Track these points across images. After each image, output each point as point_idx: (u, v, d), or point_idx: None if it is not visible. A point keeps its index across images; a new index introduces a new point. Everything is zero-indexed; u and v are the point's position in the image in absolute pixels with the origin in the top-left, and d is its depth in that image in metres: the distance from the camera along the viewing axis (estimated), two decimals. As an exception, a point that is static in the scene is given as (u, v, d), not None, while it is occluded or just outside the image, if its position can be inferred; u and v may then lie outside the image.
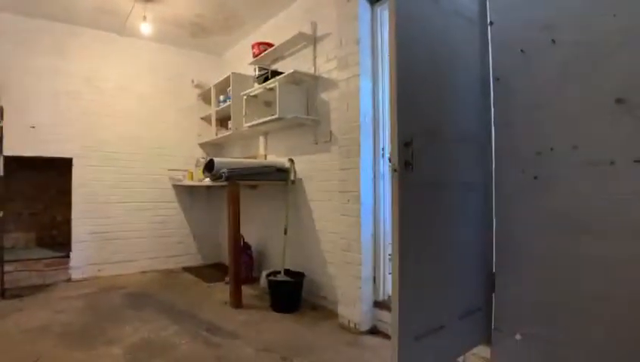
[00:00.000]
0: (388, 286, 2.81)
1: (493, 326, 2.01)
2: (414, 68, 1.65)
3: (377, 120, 2.81)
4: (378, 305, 2.77)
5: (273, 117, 3.30)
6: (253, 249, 4.09)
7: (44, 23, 4.05)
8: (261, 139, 4.09)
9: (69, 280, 4.10)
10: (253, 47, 3.91)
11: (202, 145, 5.00)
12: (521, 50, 1.91)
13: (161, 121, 4.72)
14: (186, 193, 4.86)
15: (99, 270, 4.28)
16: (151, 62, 4.69)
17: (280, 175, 3.48)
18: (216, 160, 3.31)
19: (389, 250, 2.75)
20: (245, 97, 3.74)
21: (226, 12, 4.01)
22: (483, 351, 2.05)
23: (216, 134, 4.51)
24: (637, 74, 1.52)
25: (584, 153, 1.66)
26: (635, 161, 1.51)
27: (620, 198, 1.55)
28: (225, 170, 3.20)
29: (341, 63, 2.91)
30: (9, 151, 3.75)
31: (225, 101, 4.34)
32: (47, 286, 3.91)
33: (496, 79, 2.02)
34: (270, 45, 3.80)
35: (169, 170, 4.72)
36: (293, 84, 3.40)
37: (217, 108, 4.45)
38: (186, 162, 4.83)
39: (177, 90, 4.85)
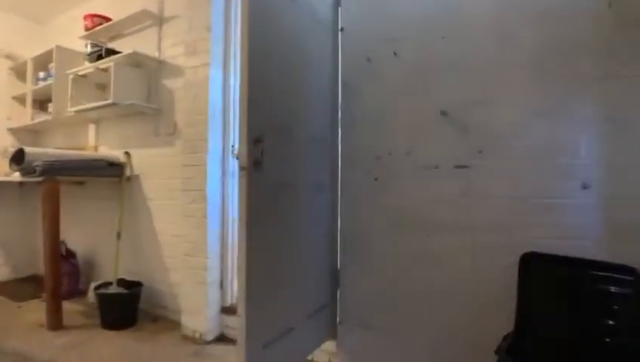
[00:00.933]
0: (236, 290, 2.66)
1: (338, 321, 2.07)
2: (267, 63, 1.55)
3: (228, 114, 2.64)
4: (225, 310, 2.60)
5: (106, 102, 2.83)
6: (79, 257, 3.45)
7: None
8: (91, 127, 3.49)
9: None
10: (85, 18, 3.31)
11: (13, 131, 4.02)
12: (368, 59, 2.00)
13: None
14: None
15: None
16: None
17: (113, 170, 3.01)
18: (27, 150, 2.67)
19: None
20: (72, 76, 3.13)
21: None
22: (330, 345, 2.08)
23: (32, 118, 3.68)
24: (456, 91, 1.72)
25: (416, 158, 1.83)
26: (455, 167, 1.71)
27: (443, 198, 1.74)
28: (39, 163, 2.61)
29: (189, 49, 2.65)
30: None
31: (45, 79, 3.58)
32: None
33: (344, 83, 2.07)
34: (107, 19, 3.27)
35: (-40, 161, 3.67)
36: (132, 67, 2.97)
37: (35, 87, 3.63)
38: (-12, 151, 3.83)
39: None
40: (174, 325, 2.74)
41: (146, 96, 2.99)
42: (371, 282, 1.96)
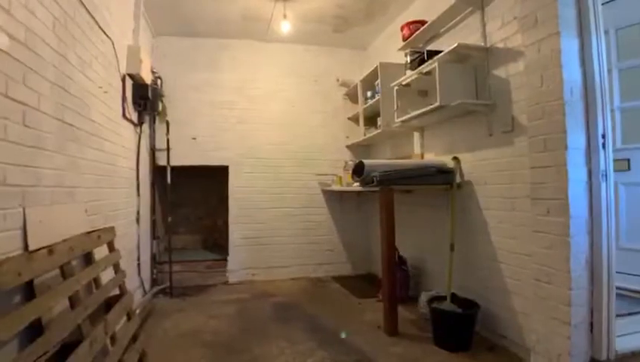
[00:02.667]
0: (616, 340, 1.90)
1: None
2: None
3: (591, 94, 1.94)
4: (602, 365, 1.89)
5: (432, 106, 2.69)
6: (409, 264, 3.52)
7: (199, 40, 4.36)
8: (416, 136, 3.50)
9: (226, 282, 4.26)
10: (402, 28, 3.37)
11: (350, 147, 4.68)
12: None
13: (308, 125, 4.59)
14: (336, 198, 4.60)
15: (253, 274, 4.35)
16: (295, 65, 4.61)
17: (442, 177, 2.84)
18: (365, 162, 2.87)
19: (618, 282, 1.86)
20: (396, 88, 3.22)
21: (369, -4, 3.59)
22: None
23: (365, 134, 4.11)
24: None
25: None
26: None
27: None
28: (376, 174, 2.74)
29: (527, 22, 2.12)
30: (175, 161, 4.11)
31: (373, 97, 3.91)
32: (207, 287, 4.13)
33: None
34: (423, 23, 3.19)
35: (317, 174, 4.54)
36: (455, 63, 2.72)
37: (365, 106, 4.05)
38: (333, 166, 4.58)
39: (322, 92, 4.65)
40: (516, 360, 2.26)
41: (474, 92, 2.67)
42: None
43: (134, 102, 3.36)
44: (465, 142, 2.83)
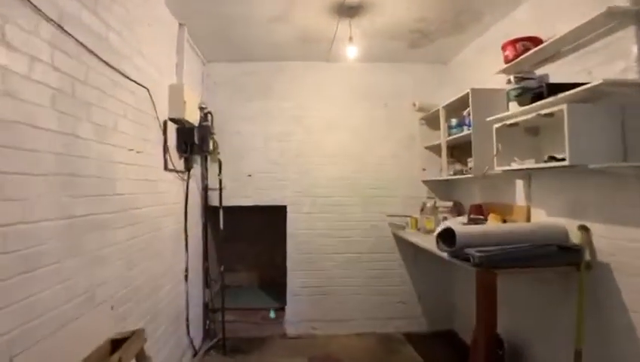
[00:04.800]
0: None
1: None
2: None
3: None
4: None
5: (557, 164, 1.94)
6: (506, 345, 2.75)
7: (252, 65, 3.90)
8: (519, 184, 2.72)
9: (284, 335, 3.81)
10: (504, 48, 2.57)
11: (428, 183, 3.94)
12: None
13: (376, 156, 3.94)
14: (410, 243, 3.87)
15: (313, 328, 3.83)
16: (361, 87, 3.97)
17: (564, 257, 2.07)
18: (458, 232, 2.18)
19: None
20: (496, 126, 2.47)
21: (458, 7, 2.84)
22: None
23: (448, 170, 3.36)
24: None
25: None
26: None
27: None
28: (475, 254, 2.04)
29: None
30: (228, 201, 3.72)
31: (460, 126, 3.16)
32: (263, 340, 3.71)
33: None
34: (534, 40, 2.40)
35: (388, 215, 3.88)
36: (591, 104, 1.93)
37: (448, 138, 3.30)
38: (407, 204, 3.88)
39: (394, 117, 3.96)
40: None
41: (621, 145, 1.86)
42: None
43: (179, 149, 2.98)
44: (599, 207, 2.01)
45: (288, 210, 3.86)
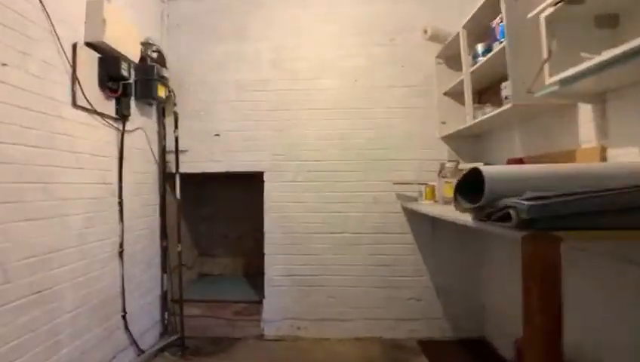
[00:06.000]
0: None
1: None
2: None
3: None
4: None
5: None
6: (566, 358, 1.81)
7: (223, 1, 3.13)
8: (586, 111, 1.76)
9: (260, 336, 3.01)
10: None
11: (448, 139, 3.00)
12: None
13: (380, 108, 3.04)
14: (425, 219, 2.97)
15: (298, 328, 3.01)
16: (360, 19, 3.08)
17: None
18: (485, 172, 1.27)
19: None
20: (545, 15, 1.56)
21: None
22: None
23: (474, 116, 2.43)
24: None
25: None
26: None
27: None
28: (521, 203, 1.13)
29: None
30: (189, 167, 2.98)
31: (489, 50, 2.23)
32: (234, 341, 2.93)
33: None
34: None
35: (395, 183, 2.98)
36: None
37: (473, 68, 2.37)
38: (421, 169, 2.97)
39: (403, 55, 3.05)
40: None
41: None
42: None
43: (103, 86, 2.24)
44: None
45: (266, 177, 3.04)
